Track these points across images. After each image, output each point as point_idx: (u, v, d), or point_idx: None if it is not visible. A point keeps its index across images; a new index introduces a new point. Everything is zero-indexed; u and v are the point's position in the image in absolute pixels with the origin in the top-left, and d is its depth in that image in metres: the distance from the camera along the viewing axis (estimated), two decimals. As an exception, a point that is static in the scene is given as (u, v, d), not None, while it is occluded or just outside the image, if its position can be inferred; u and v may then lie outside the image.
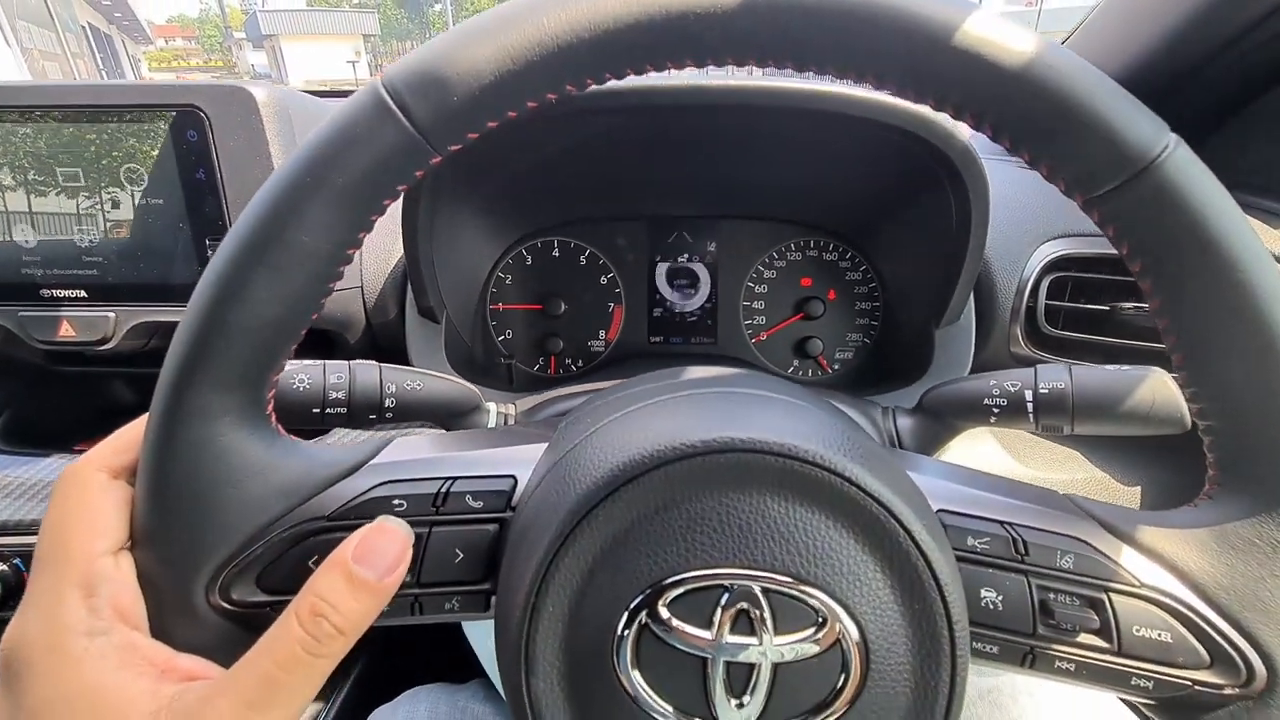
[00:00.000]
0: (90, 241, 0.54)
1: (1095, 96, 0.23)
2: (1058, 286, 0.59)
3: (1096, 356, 0.58)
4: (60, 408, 0.70)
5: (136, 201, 0.53)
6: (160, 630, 0.26)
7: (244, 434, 0.27)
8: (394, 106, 0.24)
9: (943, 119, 0.48)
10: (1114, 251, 0.57)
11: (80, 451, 0.61)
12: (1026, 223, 0.61)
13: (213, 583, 0.27)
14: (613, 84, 0.25)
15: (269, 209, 0.24)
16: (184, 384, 0.25)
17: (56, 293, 0.55)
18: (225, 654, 0.26)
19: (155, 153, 0.52)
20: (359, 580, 0.25)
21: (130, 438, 0.28)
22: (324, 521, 0.27)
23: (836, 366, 0.70)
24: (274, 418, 0.28)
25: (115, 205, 0.54)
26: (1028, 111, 0.23)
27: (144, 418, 0.27)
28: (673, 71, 0.25)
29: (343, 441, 0.60)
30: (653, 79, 0.47)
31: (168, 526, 0.26)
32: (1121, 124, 0.23)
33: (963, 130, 0.49)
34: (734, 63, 0.24)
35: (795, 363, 0.71)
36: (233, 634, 0.27)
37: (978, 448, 0.60)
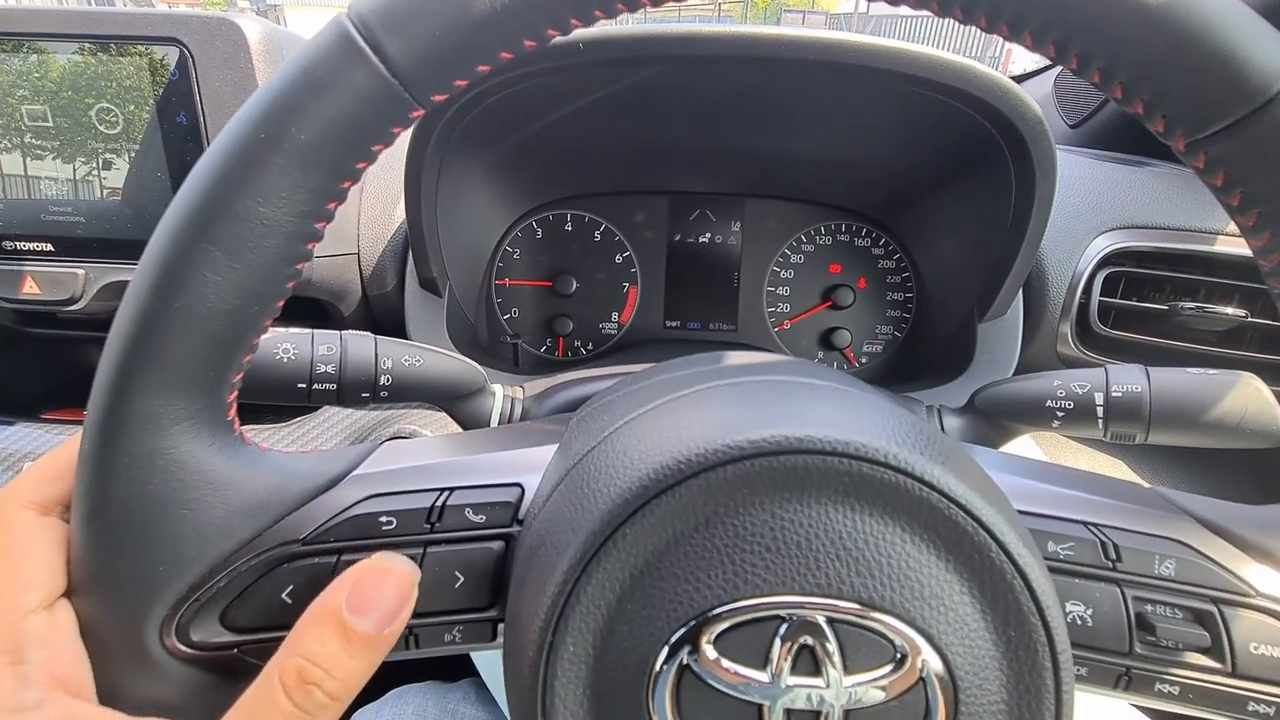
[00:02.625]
0: (58, 191, 0.49)
1: (1212, 14, 0.19)
2: (1109, 283, 0.56)
3: (1151, 360, 0.55)
4: (28, 372, 0.66)
5: (110, 147, 0.49)
6: (110, 690, 0.23)
7: (200, 445, 0.23)
8: (364, 45, 0.20)
9: (1013, 86, 0.43)
10: (1176, 246, 0.55)
11: (48, 420, 0.58)
12: (1082, 212, 0.57)
13: (168, 623, 0.23)
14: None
15: (216, 173, 0.21)
16: (124, 387, 0.21)
17: (19, 245, 0.50)
18: (191, 708, 0.23)
19: (131, 92, 0.47)
20: (355, 635, 0.21)
21: (61, 463, 0.24)
22: (298, 545, 0.24)
23: (864, 360, 0.67)
24: (237, 424, 0.25)
25: (86, 151, 0.49)
26: (1127, 35, 0.20)
27: (76, 437, 0.23)
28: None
29: (331, 422, 0.56)
30: (693, 26, 0.42)
31: (109, 560, 0.23)
32: (1245, 48, 0.19)
33: (1033, 99, 0.44)
34: None
35: (820, 354, 0.68)
36: (197, 683, 0.24)
37: (1014, 449, 0.57)
